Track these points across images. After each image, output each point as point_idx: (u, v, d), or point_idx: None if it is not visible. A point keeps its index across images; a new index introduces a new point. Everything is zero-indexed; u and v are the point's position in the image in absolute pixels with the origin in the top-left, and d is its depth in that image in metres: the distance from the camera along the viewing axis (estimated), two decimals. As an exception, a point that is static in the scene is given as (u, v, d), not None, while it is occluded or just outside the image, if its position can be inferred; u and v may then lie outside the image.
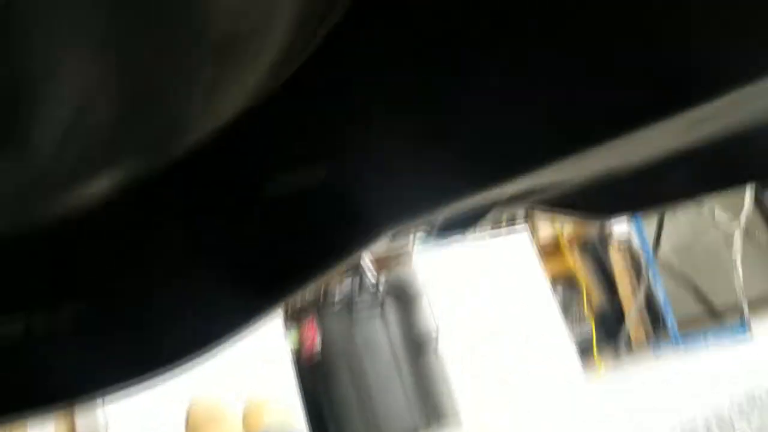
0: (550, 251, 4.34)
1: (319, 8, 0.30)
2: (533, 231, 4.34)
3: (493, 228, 4.26)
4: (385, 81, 0.53)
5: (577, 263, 4.45)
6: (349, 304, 3.25)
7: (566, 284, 4.36)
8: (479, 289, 3.47)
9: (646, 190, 0.86)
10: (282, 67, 0.33)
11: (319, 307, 3.28)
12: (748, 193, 3.60)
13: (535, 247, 3.89)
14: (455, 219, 0.77)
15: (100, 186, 0.32)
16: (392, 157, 0.54)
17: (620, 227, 3.97)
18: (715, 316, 3.80)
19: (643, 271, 3.91)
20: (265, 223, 0.58)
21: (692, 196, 0.93)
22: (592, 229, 4.37)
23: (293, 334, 3.23)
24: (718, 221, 3.64)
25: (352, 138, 0.57)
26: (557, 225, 4.43)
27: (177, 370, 0.52)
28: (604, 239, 4.26)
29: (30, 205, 0.30)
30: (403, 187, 0.57)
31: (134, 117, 0.27)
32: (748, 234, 3.59)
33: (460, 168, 0.53)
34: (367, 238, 0.62)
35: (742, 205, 3.56)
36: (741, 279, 3.42)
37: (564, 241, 4.46)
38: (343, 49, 0.48)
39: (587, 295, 4.34)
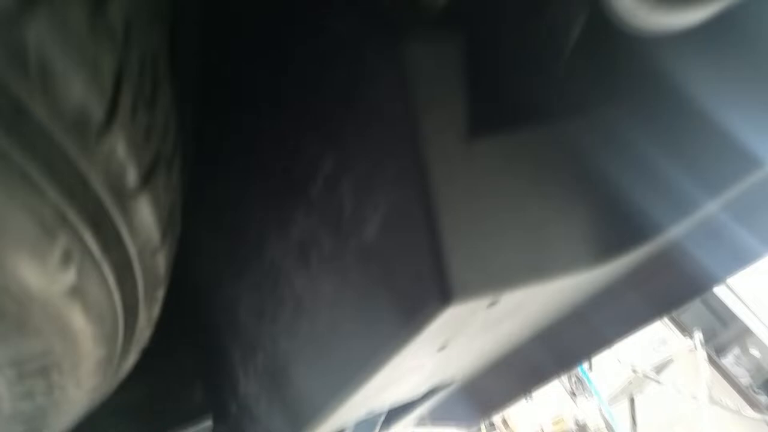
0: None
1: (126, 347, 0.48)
2: (512, 434, 4.24)
3: (472, 438, 4.15)
4: (239, 339, 0.70)
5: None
6: None
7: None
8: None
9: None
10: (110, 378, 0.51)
11: None
12: (702, 360, 3.71)
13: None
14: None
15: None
16: (258, 402, 0.69)
17: (592, 417, 3.93)
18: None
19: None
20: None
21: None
22: (569, 423, 4.31)
23: None
24: (683, 393, 3.68)
25: (229, 393, 0.72)
26: (536, 423, 4.36)
27: None
28: (582, 428, 4.19)
29: None
30: (274, 424, 0.71)
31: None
32: (714, 400, 3.61)
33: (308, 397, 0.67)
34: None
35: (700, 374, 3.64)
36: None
37: (545, 440, 4.34)
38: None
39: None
